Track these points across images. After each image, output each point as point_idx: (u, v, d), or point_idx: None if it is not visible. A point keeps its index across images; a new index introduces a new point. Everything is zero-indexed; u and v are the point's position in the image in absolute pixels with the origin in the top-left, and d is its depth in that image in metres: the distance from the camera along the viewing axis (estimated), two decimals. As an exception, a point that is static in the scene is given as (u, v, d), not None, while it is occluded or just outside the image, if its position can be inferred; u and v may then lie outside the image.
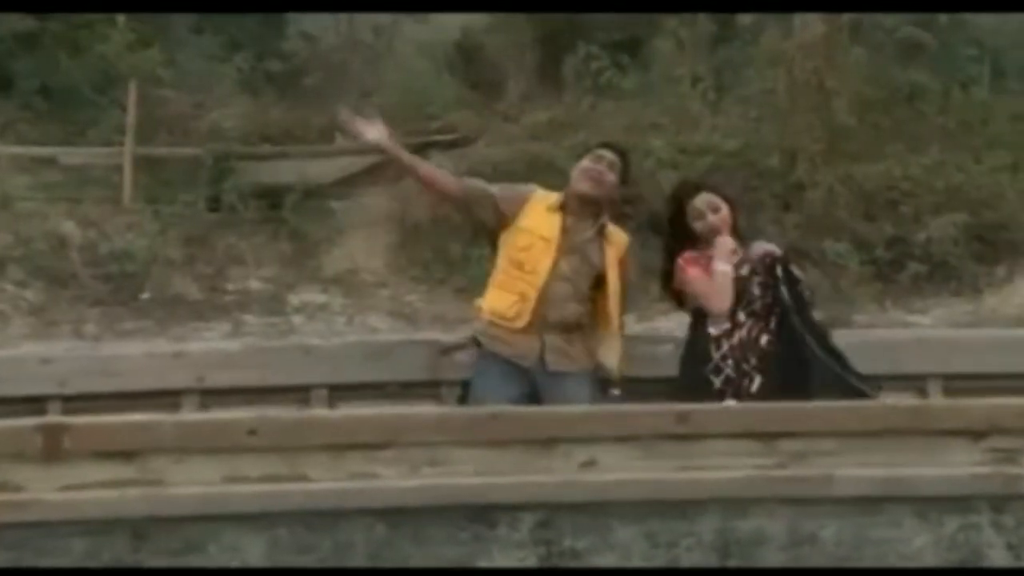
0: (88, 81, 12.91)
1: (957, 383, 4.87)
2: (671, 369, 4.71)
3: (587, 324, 4.51)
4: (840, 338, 5.25)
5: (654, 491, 3.12)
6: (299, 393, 4.81)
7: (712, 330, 4.26)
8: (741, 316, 4.28)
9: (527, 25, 14.93)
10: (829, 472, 3.11)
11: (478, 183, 4.74)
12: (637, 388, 4.68)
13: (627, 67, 12.80)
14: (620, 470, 3.13)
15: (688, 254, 4.44)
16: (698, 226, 4.45)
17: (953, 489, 3.13)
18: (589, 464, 3.13)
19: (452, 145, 11.59)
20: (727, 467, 3.10)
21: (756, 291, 4.29)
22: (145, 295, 10.26)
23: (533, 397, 4.42)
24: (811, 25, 11.48)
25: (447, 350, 4.78)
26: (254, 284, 10.64)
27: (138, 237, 10.50)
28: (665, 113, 11.78)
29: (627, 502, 3.12)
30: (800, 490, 3.11)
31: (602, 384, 4.47)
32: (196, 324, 10.06)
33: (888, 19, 14.30)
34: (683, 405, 3.21)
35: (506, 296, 4.46)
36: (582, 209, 4.51)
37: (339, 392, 4.81)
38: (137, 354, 4.89)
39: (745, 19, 15.04)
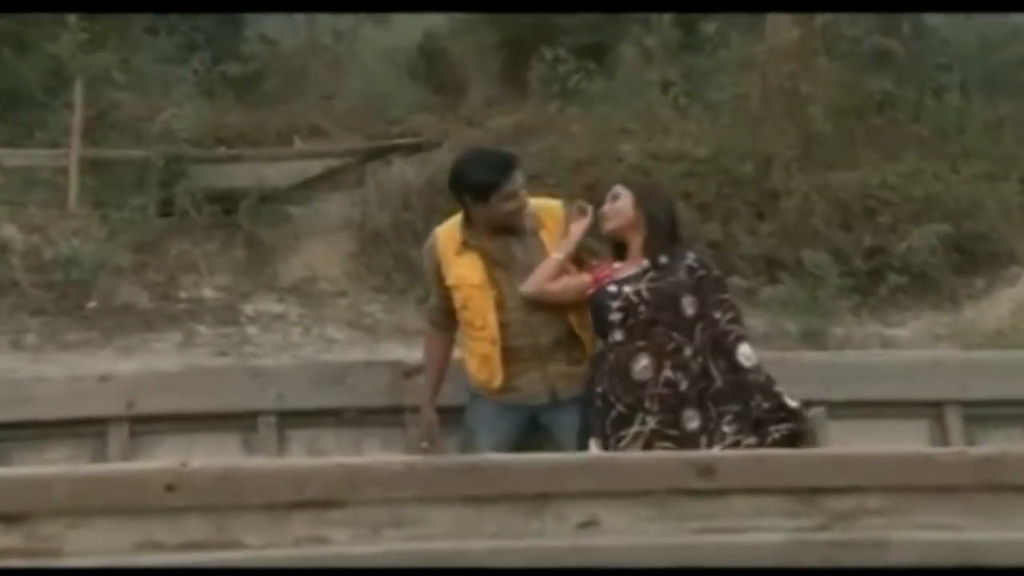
0: (39, 81, 12.20)
1: (977, 410, 4.29)
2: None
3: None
4: (848, 360, 4.69)
5: (669, 558, 2.48)
6: (244, 420, 4.17)
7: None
8: (617, 335, 3.60)
9: (490, 29, 14.38)
10: (883, 535, 2.49)
11: (433, 304, 4.00)
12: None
13: (593, 72, 12.24)
14: (627, 532, 2.50)
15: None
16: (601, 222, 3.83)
17: (1030, 556, 2.51)
18: (589, 525, 2.50)
19: (415, 149, 11.00)
20: (760, 529, 2.48)
21: (640, 308, 3.60)
22: (91, 304, 9.59)
23: (537, 430, 3.80)
24: (783, 30, 10.95)
25: (411, 372, 4.14)
26: (207, 293, 10.01)
27: (84, 243, 9.82)
28: (634, 118, 11.21)
29: (636, 571, 2.48)
30: (848, 557, 2.48)
31: None
32: (145, 335, 9.43)
33: (852, 29, 13.90)
34: (706, 453, 2.56)
35: (473, 360, 3.83)
36: (493, 231, 3.80)
37: (289, 419, 4.18)
38: (58, 378, 4.21)
39: (709, 27, 14.59)
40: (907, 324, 9.52)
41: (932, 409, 4.32)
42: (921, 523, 2.48)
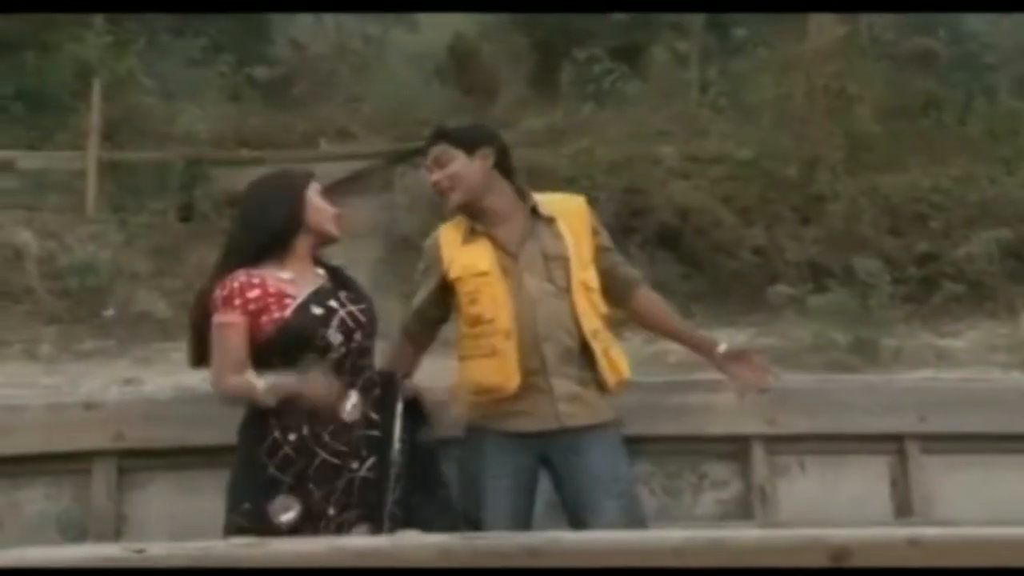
0: (63, 84, 11.69)
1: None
2: (703, 424, 3.49)
3: (604, 342, 3.14)
4: (945, 386, 3.97)
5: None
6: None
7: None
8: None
9: (520, 31, 13.79)
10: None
11: (415, 308, 3.35)
12: (656, 449, 3.40)
13: (627, 74, 11.62)
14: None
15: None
16: None
17: None
18: (682, 627, 1.81)
19: (445, 151, 10.34)
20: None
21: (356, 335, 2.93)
22: (108, 312, 9.05)
23: (543, 469, 3.16)
24: (825, 28, 10.27)
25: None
26: (228, 301, 9.38)
27: (101, 248, 9.30)
28: (672, 120, 10.55)
29: None
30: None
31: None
32: (163, 344, 8.84)
33: (887, 32, 13.25)
34: (839, 533, 1.86)
35: (479, 364, 3.09)
36: (495, 213, 3.16)
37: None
38: (36, 405, 3.56)
39: (740, 31, 14.00)
40: (962, 335, 8.80)
41: (1019, 443, 3.63)
42: None
